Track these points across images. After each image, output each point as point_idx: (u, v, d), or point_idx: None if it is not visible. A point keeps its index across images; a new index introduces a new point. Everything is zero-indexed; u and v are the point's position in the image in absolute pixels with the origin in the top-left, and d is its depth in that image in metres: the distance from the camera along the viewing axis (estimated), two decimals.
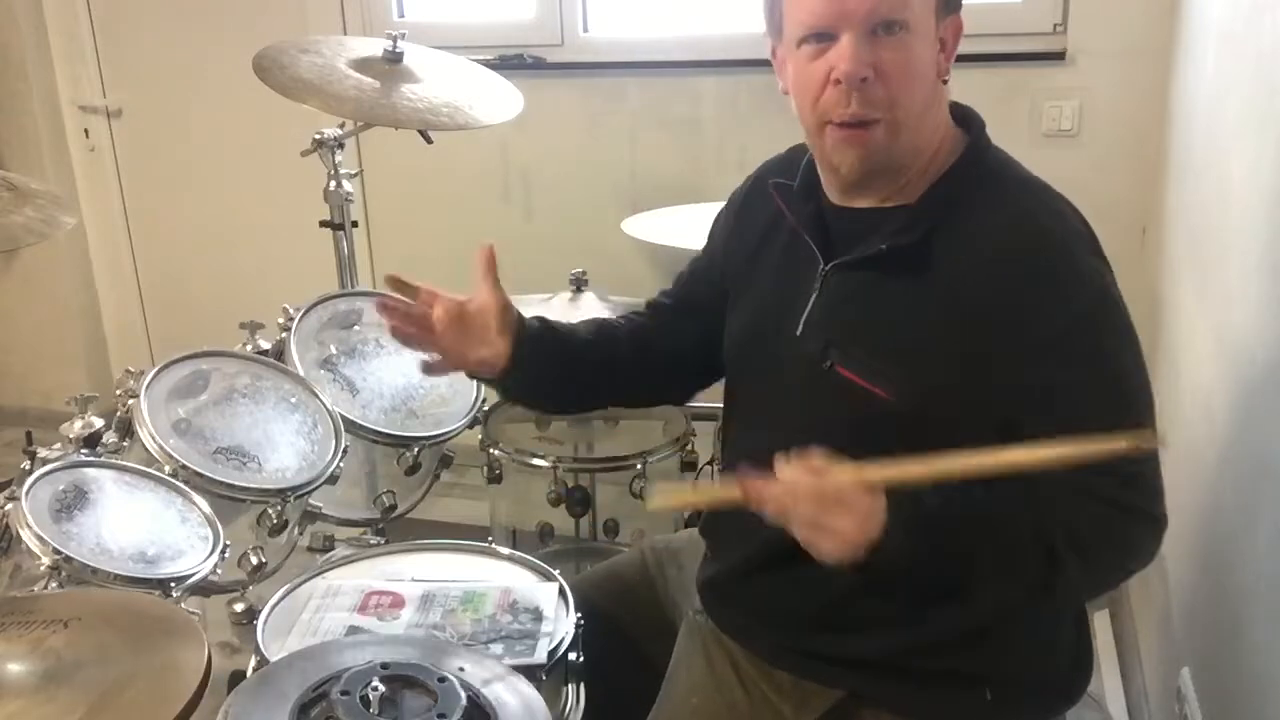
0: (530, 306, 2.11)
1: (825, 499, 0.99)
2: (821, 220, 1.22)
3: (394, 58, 2.04)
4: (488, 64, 2.31)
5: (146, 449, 1.51)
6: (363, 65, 2.02)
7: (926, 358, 1.10)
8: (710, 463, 2.03)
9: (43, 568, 1.27)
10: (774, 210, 1.28)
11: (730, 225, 1.38)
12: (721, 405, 1.38)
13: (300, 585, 1.36)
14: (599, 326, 1.40)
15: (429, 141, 2.02)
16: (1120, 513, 1.07)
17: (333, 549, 1.80)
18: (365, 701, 0.94)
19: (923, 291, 1.12)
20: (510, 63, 2.77)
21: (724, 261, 1.36)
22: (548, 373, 1.32)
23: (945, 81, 1.15)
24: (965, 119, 1.20)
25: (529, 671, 1.13)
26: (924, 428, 1.06)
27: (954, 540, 1.05)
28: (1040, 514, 1.06)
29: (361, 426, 1.74)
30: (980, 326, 1.08)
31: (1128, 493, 1.07)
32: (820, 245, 1.20)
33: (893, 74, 1.08)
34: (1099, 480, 1.05)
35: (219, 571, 1.43)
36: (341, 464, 1.65)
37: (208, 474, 1.51)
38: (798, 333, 1.20)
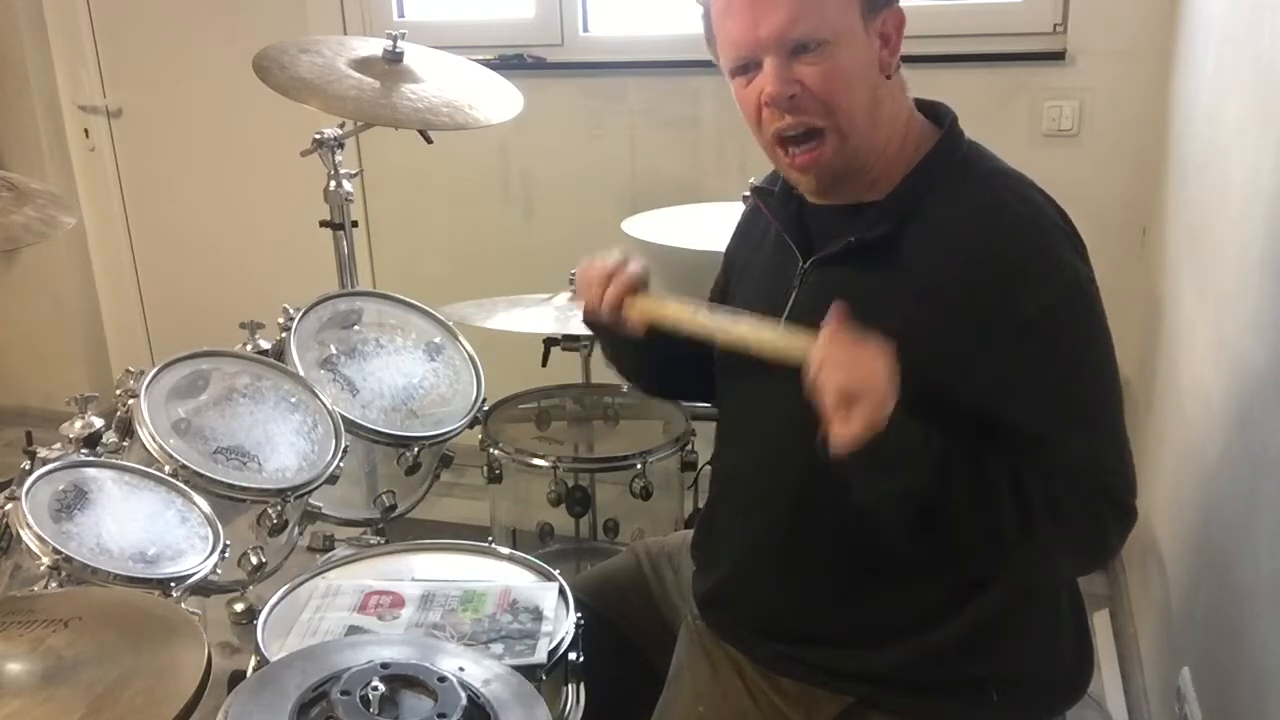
0: (530, 306, 2.13)
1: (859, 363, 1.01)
2: (801, 219, 1.24)
3: (394, 58, 2.04)
4: (488, 64, 2.31)
5: (146, 449, 1.51)
6: (363, 65, 2.02)
7: (896, 350, 1.10)
8: (710, 462, 2.03)
9: (43, 568, 1.27)
10: (764, 216, 1.30)
11: (734, 239, 1.41)
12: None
13: (300, 585, 1.35)
14: None
15: (429, 141, 2.02)
16: (1096, 489, 1.07)
17: (333, 549, 1.79)
18: (365, 701, 0.94)
19: (893, 284, 1.13)
20: (510, 63, 2.77)
21: (732, 273, 1.39)
22: (652, 359, 1.37)
23: (889, 77, 1.15)
24: (937, 114, 1.21)
25: (529, 671, 1.12)
26: None
27: (943, 457, 1.04)
28: (1018, 469, 1.06)
29: (361, 426, 1.74)
30: (949, 316, 1.08)
31: (1105, 477, 1.07)
32: (800, 244, 1.22)
33: (820, 86, 1.10)
34: (1072, 457, 1.06)
35: (219, 571, 1.42)
36: (341, 464, 1.65)
37: (208, 474, 1.51)
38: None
